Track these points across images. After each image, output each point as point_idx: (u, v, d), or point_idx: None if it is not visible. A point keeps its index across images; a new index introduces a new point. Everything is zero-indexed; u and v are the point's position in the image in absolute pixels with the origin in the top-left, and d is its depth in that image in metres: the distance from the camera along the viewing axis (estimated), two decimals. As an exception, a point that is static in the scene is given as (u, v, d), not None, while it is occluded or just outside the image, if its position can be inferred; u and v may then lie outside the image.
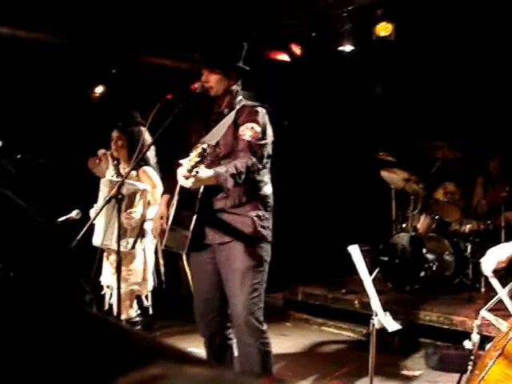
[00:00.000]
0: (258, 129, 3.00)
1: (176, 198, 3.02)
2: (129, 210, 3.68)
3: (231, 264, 3.03)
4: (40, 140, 5.27)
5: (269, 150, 3.11)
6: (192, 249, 3.03)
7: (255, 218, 3.04)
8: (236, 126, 3.02)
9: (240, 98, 3.12)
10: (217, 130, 2.94)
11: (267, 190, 3.14)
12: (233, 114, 3.03)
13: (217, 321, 3.16)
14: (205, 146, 2.65)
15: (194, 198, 2.95)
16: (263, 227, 3.07)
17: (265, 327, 3.08)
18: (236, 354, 3.18)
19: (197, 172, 2.63)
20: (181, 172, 2.72)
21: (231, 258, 3.03)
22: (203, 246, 3.09)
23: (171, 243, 3.03)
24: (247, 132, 2.98)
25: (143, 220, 3.81)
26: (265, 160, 3.06)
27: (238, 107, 3.06)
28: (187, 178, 2.66)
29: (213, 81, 3.03)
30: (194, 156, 2.63)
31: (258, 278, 3.04)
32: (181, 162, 2.70)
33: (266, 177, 3.14)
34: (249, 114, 3.04)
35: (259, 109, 3.07)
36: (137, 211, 3.75)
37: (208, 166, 2.90)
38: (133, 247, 3.79)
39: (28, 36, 5.23)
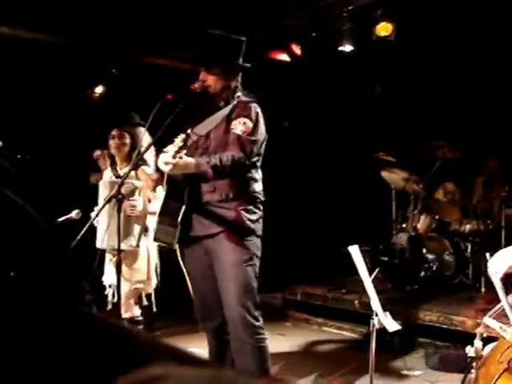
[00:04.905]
0: (250, 124, 2.99)
1: (165, 188, 3.01)
2: (130, 199, 3.66)
3: (221, 258, 3.00)
4: (40, 140, 5.28)
5: (262, 147, 3.09)
6: (183, 242, 3.00)
7: (242, 212, 3.01)
8: (229, 120, 3.02)
9: (239, 93, 3.13)
10: (209, 121, 2.96)
11: (257, 187, 3.10)
12: (228, 108, 3.04)
13: (218, 315, 3.10)
14: (189, 131, 2.72)
15: (182, 189, 2.95)
16: (251, 220, 3.03)
17: (260, 323, 3.04)
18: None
19: (180, 158, 2.70)
20: (163, 157, 2.78)
21: (220, 252, 3.00)
22: (194, 240, 3.05)
23: (160, 236, 3.02)
24: (239, 126, 2.98)
25: (145, 215, 3.82)
26: (255, 157, 3.03)
27: (234, 102, 3.07)
28: (167, 163, 2.73)
29: (210, 80, 3.05)
30: (178, 141, 2.70)
31: (249, 273, 3.01)
32: (165, 149, 2.77)
33: (256, 174, 3.11)
34: (243, 109, 3.05)
35: (253, 105, 3.08)
36: (138, 201, 3.75)
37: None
38: (137, 245, 3.79)
39: (28, 36, 5.23)
